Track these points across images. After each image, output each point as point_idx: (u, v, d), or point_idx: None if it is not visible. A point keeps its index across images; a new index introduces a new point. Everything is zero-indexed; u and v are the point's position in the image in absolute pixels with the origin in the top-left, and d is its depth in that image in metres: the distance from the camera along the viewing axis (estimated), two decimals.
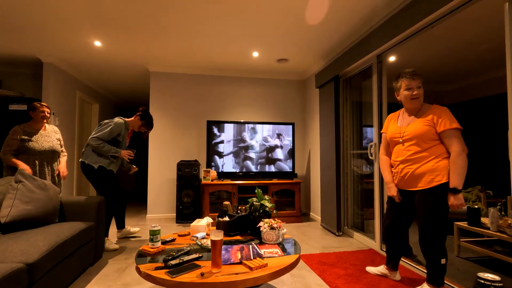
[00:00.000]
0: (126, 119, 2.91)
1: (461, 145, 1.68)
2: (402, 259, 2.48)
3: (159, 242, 1.68)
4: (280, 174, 4.18)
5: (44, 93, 3.83)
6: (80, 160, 2.77)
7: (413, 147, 1.83)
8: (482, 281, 0.71)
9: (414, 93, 1.83)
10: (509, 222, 2.27)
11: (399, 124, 1.95)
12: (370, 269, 2.25)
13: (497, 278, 0.71)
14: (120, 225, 3.11)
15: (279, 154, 4.20)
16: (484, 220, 2.62)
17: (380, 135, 2.79)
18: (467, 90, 4.59)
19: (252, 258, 1.50)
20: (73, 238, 1.95)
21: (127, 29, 2.99)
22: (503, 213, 2.49)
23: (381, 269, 2.18)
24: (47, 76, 3.85)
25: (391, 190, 1.97)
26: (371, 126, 2.91)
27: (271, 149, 4.19)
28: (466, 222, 2.61)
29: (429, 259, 1.79)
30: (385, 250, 2.21)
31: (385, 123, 2.10)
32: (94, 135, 2.69)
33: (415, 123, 1.84)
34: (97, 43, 3.33)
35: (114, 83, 5.14)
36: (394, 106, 2.82)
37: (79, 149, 4.80)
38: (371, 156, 2.88)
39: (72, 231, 1.99)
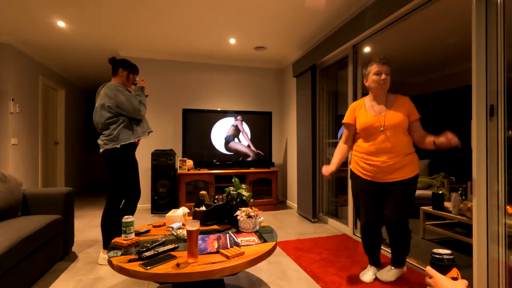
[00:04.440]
0: (113, 82, 2.28)
1: None
2: None
3: (133, 234, 1.62)
4: (258, 163, 4.19)
5: (0, 77, 3.51)
6: (106, 148, 2.14)
7: (396, 137, 1.78)
8: (437, 256, 0.81)
9: (382, 77, 1.81)
10: (469, 205, 2.44)
11: (372, 113, 1.87)
12: (364, 279, 1.95)
13: (448, 251, 0.81)
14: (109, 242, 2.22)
15: (257, 142, 4.20)
16: (447, 204, 2.81)
17: None
18: (435, 82, 4.82)
19: (229, 247, 1.50)
20: (38, 233, 1.84)
21: (93, 9, 2.78)
22: (463, 197, 2.68)
23: (372, 273, 1.97)
24: (4, 58, 3.53)
25: (328, 170, 1.87)
26: None
27: (249, 137, 4.17)
28: (431, 207, 2.78)
29: (401, 242, 1.83)
30: (366, 252, 2.02)
31: (349, 112, 1.98)
32: (131, 109, 2.15)
33: (393, 112, 1.81)
34: (61, 24, 3.07)
35: (81, 68, 4.82)
36: None
37: (43, 138, 4.49)
38: None
39: (37, 225, 1.87)
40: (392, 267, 1.94)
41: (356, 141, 1.98)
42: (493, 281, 1.57)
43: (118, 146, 2.13)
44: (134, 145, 2.25)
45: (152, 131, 2.38)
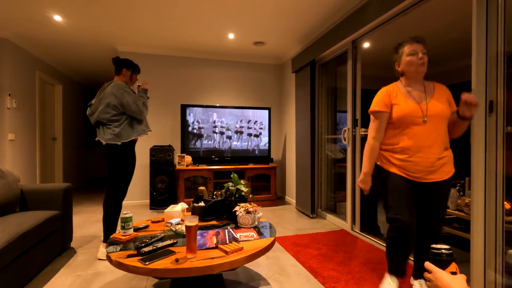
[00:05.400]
0: (117, 80, 2.34)
1: None
2: (371, 238, 2.62)
3: (131, 230, 1.62)
4: (256, 158, 4.19)
5: None
6: (109, 143, 2.20)
7: (439, 129, 1.55)
8: (435, 251, 0.82)
9: (420, 56, 1.55)
10: (467, 201, 2.45)
11: (413, 101, 1.59)
12: None
13: (447, 246, 0.82)
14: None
15: (255, 138, 4.19)
16: None
17: (355, 120, 2.85)
18: (434, 77, 4.81)
19: (228, 242, 1.50)
20: (36, 228, 1.83)
21: (90, 4, 2.74)
22: (461, 193, 2.69)
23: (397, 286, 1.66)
24: (0, 52, 3.49)
25: (367, 183, 1.67)
26: (345, 111, 2.97)
27: (248, 134, 4.16)
28: None
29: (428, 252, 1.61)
30: (396, 259, 1.63)
31: (383, 98, 1.63)
32: (136, 110, 2.20)
33: (436, 100, 1.57)
34: (57, 18, 3.04)
35: (79, 63, 4.78)
36: (368, 92, 2.89)
37: (40, 133, 4.47)
38: (344, 140, 2.96)
39: (35, 220, 1.87)
40: (416, 281, 1.71)
41: (387, 133, 1.66)
42: (490, 276, 1.58)
43: (119, 143, 2.19)
44: (134, 142, 2.30)
45: (151, 130, 2.44)
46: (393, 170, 1.62)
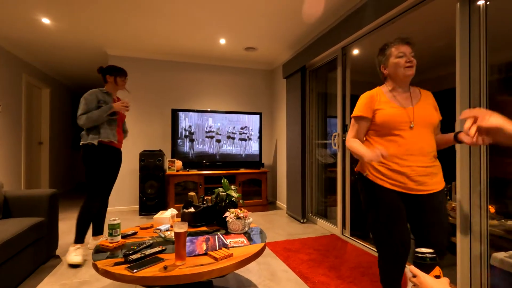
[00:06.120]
0: (105, 88, 2.48)
1: None
2: (361, 242, 2.64)
3: (119, 237, 1.59)
4: (248, 163, 4.18)
5: None
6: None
7: (427, 136, 1.45)
8: (419, 255, 0.85)
9: (409, 59, 1.44)
10: (453, 205, 2.51)
11: (398, 105, 1.48)
12: None
13: (430, 250, 0.84)
14: (98, 230, 2.60)
15: (246, 143, 4.19)
16: None
17: (344, 125, 2.89)
18: (420, 84, 4.93)
19: (217, 248, 1.49)
20: (19, 236, 1.78)
21: (80, 6, 2.71)
22: (448, 197, 2.74)
23: None
24: None
25: (376, 151, 1.30)
26: (335, 117, 3.01)
27: (239, 139, 4.16)
28: None
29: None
30: (390, 285, 1.51)
31: (365, 102, 1.52)
32: (78, 117, 2.31)
33: (422, 106, 1.48)
34: (45, 20, 2.99)
35: (67, 66, 4.70)
36: (358, 98, 2.93)
37: (26, 137, 4.36)
38: (335, 145, 2.99)
39: (18, 228, 1.81)
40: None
41: (371, 140, 1.55)
42: (475, 279, 1.61)
43: (80, 144, 2.35)
44: (95, 147, 2.32)
45: (109, 140, 2.37)
46: (384, 183, 1.46)
